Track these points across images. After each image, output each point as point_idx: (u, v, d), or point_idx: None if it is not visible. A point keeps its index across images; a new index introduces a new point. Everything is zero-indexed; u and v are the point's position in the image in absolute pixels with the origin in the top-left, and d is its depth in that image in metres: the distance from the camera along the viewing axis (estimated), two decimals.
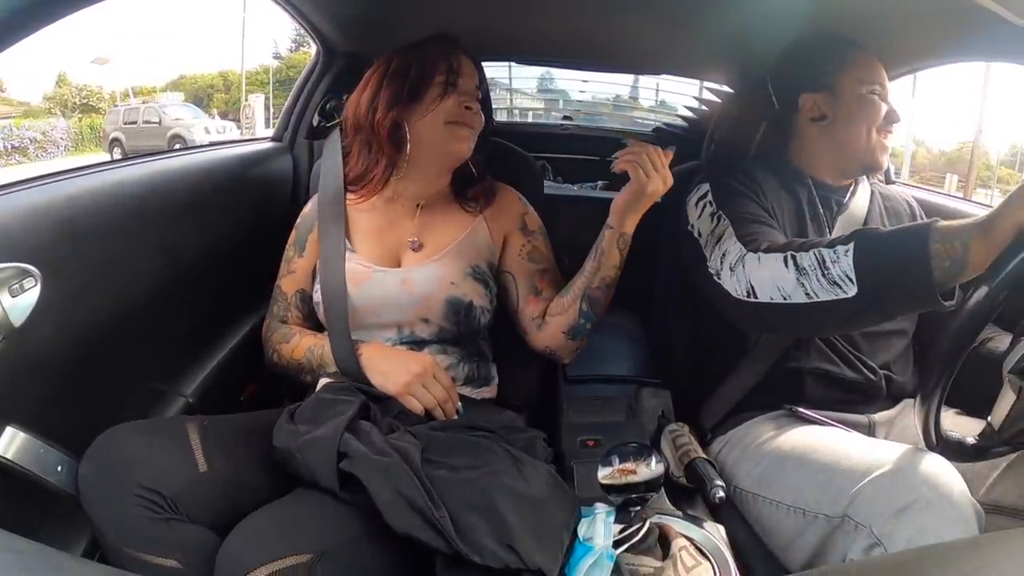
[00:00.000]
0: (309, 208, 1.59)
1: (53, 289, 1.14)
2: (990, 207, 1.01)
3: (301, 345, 1.45)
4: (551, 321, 1.49)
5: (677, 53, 2.13)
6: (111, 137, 17.17)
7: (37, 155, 18.09)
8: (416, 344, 1.43)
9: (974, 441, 1.05)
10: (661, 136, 3.19)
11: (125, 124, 16.93)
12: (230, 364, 1.68)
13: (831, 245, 1.12)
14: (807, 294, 1.15)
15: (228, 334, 1.73)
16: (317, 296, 1.46)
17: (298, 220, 1.59)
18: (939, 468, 1.02)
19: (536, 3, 1.77)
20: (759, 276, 1.24)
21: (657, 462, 1.20)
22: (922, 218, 1.60)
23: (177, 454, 1.15)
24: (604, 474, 1.20)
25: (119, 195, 1.36)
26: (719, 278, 1.34)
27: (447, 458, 1.13)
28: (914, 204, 1.65)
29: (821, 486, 1.14)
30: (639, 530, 1.10)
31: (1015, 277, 0.89)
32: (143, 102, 19.10)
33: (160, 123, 16.08)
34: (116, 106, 19.21)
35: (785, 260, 1.19)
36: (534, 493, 1.12)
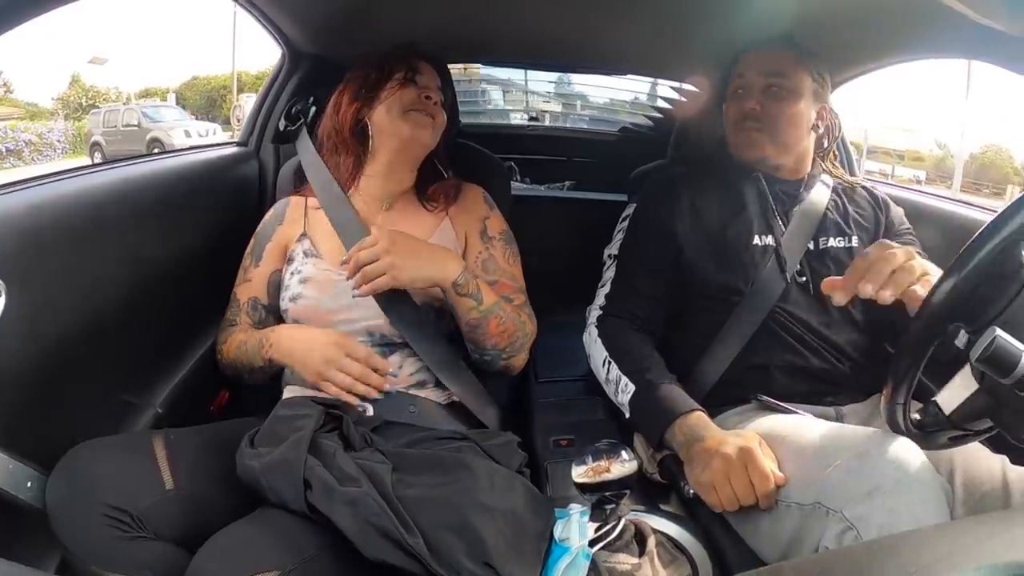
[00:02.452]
0: (270, 215, 1.62)
1: (18, 301, 1.12)
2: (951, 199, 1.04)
3: (232, 342, 1.47)
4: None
5: (642, 53, 2.14)
6: (92, 141, 16.72)
7: (33, 158, 17.68)
8: (388, 346, 1.43)
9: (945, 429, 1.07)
10: (627, 136, 3.20)
11: (106, 127, 16.53)
12: (200, 373, 1.66)
13: (630, 375, 1.41)
14: (609, 394, 1.47)
15: (197, 342, 1.71)
16: (286, 304, 1.46)
17: (259, 228, 1.60)
18: (905, 449, 1.04)
19: (501, 5, 1.77)
20: (592, 353, 1.54)
21: (629, 459, 1.20)
22: (882, 205, 1.65)
23: (143, 471, 1.15)
24: (578, 473, 1.20)
25: (84, 203, 1.34)
26: (585, 324, 1.60)
27: (419, 476, 1.13)
28: (877, 192, 1.68)
29: (790, 474, 1.15)
30: (614, 528, 1.10)
31: (984, 269, 0.90)
32: (124, 103, 18.74)
33: (139, 126, 15.59)
34: (98, 108, 18.82)
35: (604, 361, 1.48)
36: (509, 506, 1.12)
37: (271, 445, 1.15)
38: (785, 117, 1.55)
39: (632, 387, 1.39)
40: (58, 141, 18.37)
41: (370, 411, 1.34)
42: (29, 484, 1.15)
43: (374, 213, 1.55)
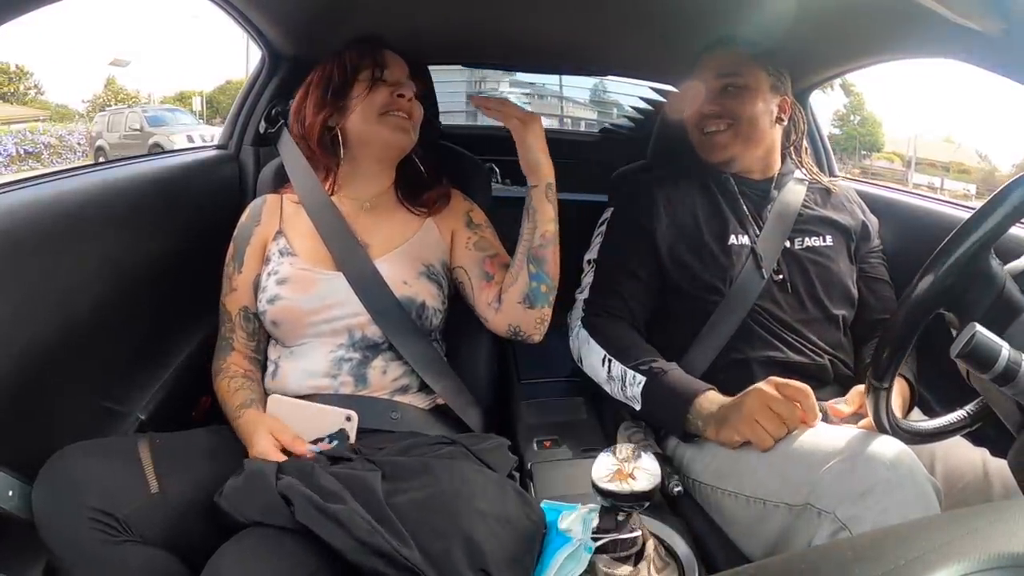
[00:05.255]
0: (247, 217, 1.57)
1: None
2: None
3: (220, 386, 1.44)
4: (505, 297, 1.45)
5: (624, 54, 2.15)
6: (96, 145, 16.57)
7: (52, 161, 17.50)
8: (370, 348, 1.41)
9: (925, 425, 1.08)
10: (608, 137, 3.20)
11: (110, 131, 16.36)
12: (181, 378, 1.65)
13: (636, 367, 1.42)
14: (610, 392, 1.48)
15: (178, 347, 1.70)
16: (263, 306, 1.44)
17: (236, 231, 1.56)
18: (896, 450, 1.05)
19: (484, 6, 1.77)
20: (585, 355, 1.55)
21: (654, 469, 1.07)
22: (858, 210, 1.68)
23: (128, 475, 1.13)
24: (601, 477, 1.06)
25: (61, 208, 1.32)
26: (569, 328, 1.64)
27: (411, 482, 1.12)
28: (855, 196, 1.70)
29: (781, 475, 1.16)
30: (633, 541, 1.06)
31: (963, 264, 0.91)
32: (128, 107, 18.61)
33: (142, 130, 15.36)
34: (103, 111, 18.65)
35: (604, 359, 1.49)
36: (502, 512, 1.10)
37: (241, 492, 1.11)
38: (745, 113, 1.58)
39: (642, 379, 1.40)
40: (78, 144, 18.24)
41: (354, 417, 1.32)
42: (11, 493, 1.13)
43: (354, 213, 1.52)
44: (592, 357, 1.51)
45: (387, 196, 1.58)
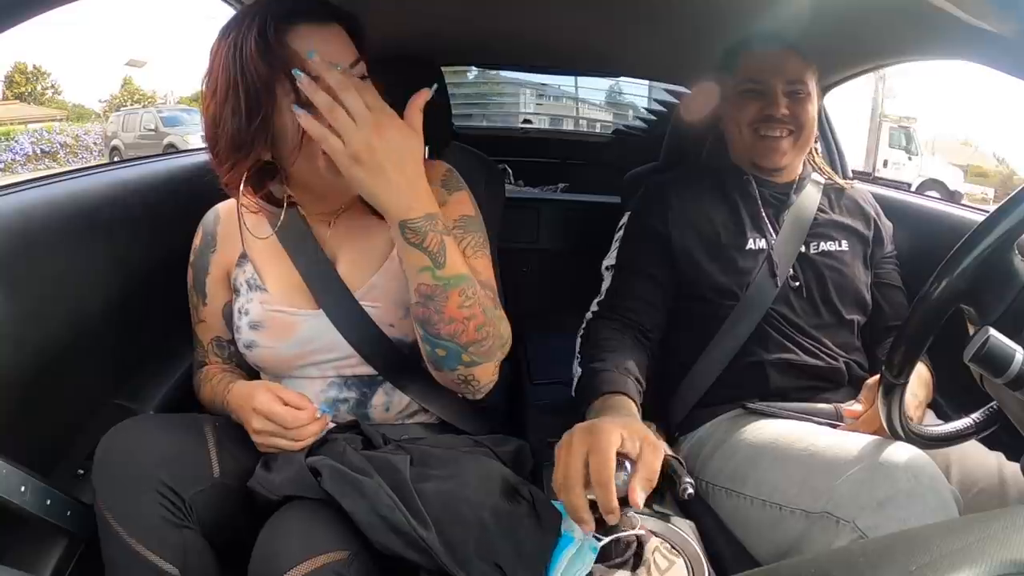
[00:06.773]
0: (200, 241, 1.39)
1: (7, 305, 1.11)
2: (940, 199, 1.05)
3: (203, 395, 1.36)
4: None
5: (635, 54, 2.15)
6: (111, 145, 16.80)
7: (68, 160, 17.76)
8: (367, 385, 1.30)
9: (939, 429, 1.07)
10: (620, 137, 3.20)
11: (125, 131, 16.64)
12: (191, 379, 1.64)
13: (580, 362, 1.39)
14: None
15: (189, 345, 1.68)
16: (242, 349, 1.31)
17: (192, 256, 1.39)
18: (915, 458, 1.04)
19: (497, 7, 1.77)
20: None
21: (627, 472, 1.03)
22: (872, 214, 1.65)
23: (197, 456, 1.14)
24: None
25: (73, 206, 1.33)
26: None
27: (439, 471, 1.11)
28: (871, 200, 1.69)
29: (799, 481, 1.15)
30: (629, 543, 1.05)
31: (976, 269, 0.90)
32: (143, 107, 18.82)
33: (156, 130, 15.65)
34: (117, 111, 18.87)
35: (576, 358, 1.44)
36: (519, 510, 1.10)
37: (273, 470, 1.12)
38: (808, 122, 1.54)
39: (579, 372, 1.36)
40: (93, 144, 18.44)
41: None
42: (23, 488, 1.13)
43: (320, 234, 1.31)
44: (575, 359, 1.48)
45: (353, 205, 1.31)
